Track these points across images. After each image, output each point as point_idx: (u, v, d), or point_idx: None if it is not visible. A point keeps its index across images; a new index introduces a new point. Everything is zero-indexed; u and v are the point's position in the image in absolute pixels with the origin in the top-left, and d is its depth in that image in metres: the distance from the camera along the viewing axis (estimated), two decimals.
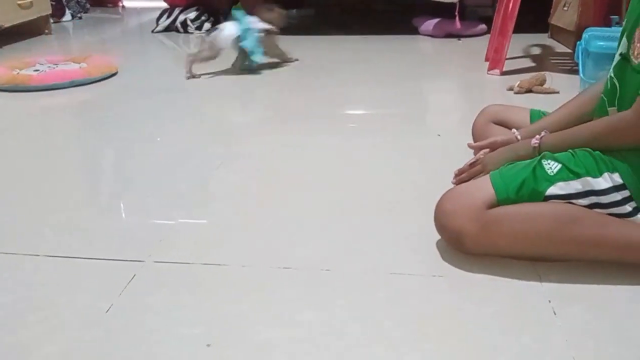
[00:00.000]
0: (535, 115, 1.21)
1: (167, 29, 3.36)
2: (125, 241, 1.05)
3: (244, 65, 2.37)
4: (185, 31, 3.31)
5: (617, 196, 0.89)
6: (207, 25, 3.32)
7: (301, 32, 3.35)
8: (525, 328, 0.80)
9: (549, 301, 0.85)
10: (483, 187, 0.94)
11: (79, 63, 2.39)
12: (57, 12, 3.73)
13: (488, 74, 2.23)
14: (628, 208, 0.89)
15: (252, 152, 1.49)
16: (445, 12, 3.10)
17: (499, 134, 1.23)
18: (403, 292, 0.88)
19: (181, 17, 3.30)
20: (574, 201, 0.91)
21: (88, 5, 4.46)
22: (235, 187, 1.28)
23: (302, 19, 3.89)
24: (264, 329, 0.80)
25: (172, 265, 0.96)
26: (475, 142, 1.32)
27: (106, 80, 2.28)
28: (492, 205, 0.91)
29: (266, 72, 2.53)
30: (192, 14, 3.30)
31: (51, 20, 3.43)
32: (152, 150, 1.53)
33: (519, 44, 2.73)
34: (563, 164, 0.92)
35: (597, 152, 0.92)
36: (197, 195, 1.24)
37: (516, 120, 1.24)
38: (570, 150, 0.94)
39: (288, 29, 3.45)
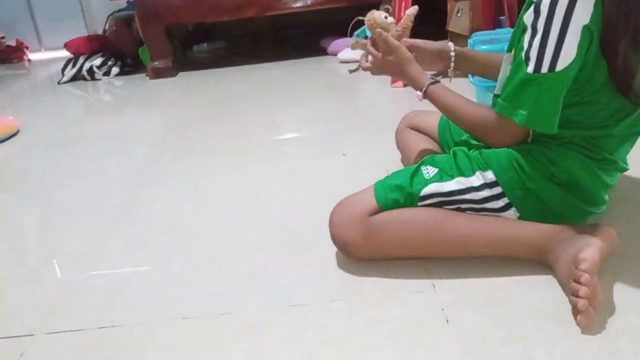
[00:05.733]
0: (444, 120, 1.27)
1: (74, 78, 3.27)
2: (13, 315, 0.99)
3: None
4: (93, 78, 3.23)
5: (488, 192, 0.94)
6: (115, 70, 3.26)
7: (213, 65, 3.35)
8: (419, 341, 0.81)
9: (442, 309, 0.87)
10: (366, 197, 0.99)
11: None
12: None
13: (392, 87, 2.30)
14: (500, 203, 0.94)
15: (153, 197, 1.47)
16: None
17: (416, 140, 1.31)
18: (302, 324, 0.88)
19: (87, 65, 3.23)
20: (449, 199, 0.96)
21: None
22: (132, 238, 1.24)
23: (213, 52, 3.88)
24: None
25: (65, 335, 0.92)
26: (398, 146, 1.41)
27: (7, 142, 2.19)
28: (375, 213, 0.96)
29: (175, 108, 2.50)
30: (98, 61, 3.23)
31: None
32: (45, 210, 1.48)
33: None
34: (440, 168, 0.97)
35: (474, 152, 0.98)
36: (92, 253, 1.19)
37: (425, 124, 1.31)
38: (451, 151, 1.01)
39: (200, 64, 3.44)
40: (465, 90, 2.01)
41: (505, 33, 2.03)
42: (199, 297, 0.98)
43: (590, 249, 0.82)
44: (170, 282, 1.04)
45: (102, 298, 1.02)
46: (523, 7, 0.89)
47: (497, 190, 0.94)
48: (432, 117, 1.31)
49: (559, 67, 0.83)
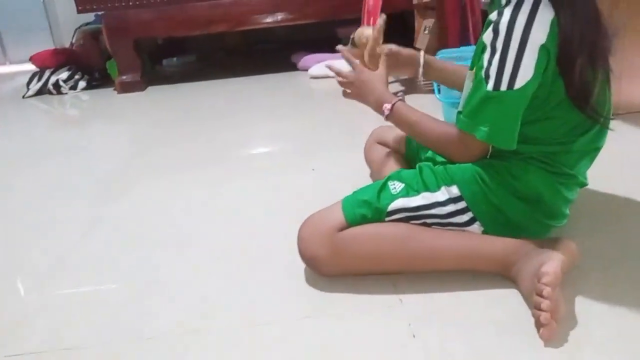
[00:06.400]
0: None
1: (40, 92, 3.22)
2: None
3: None
4: (59, 92, 3.19)
5: (453, 207, 0.96)
6: (82, 84, 3.22)
7: (183, 79, 3.33)
8: (387, 357, 0.81)
9: (409, 325, 0.87)
10: (334, 213, 0.99)
11: None
12: None
13: None
14: (465, 217, 0.96)
15: (119, 214, 1.44)
16: (321, 47, 3.21)
17: (384, 155, 1.31)
18: (271, 341, 0.87)
19: (53, 79, 3.18)
20: (415, 214, 0.97)
21: None
22: (96, 256, 1.22)
23: (183, 66, 3.87)
24: None
25: (23, 358, 0.89)
26: (366, 161, 1.41)
27: None
28: (343, 229, 0.97)
29: (144, 123, 2.48)
30: (64, 74, 3.19)
31: None
32: (6, 227, 1.43)
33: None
34: (406, 184, 0.98)
35: (439, 167, 1.00)
36: (54, 272, 1.16)
37: (393, 139, 1.33)
38: (417, 167, 1.02)
39: (170, 79, 3.42)
40: (432, 107, 2.05)
41: (470, 51, 2.07)
42: (164, 316, 0.96)
43: (552, 263, 0.84)
44: (134, 300, 1.02)
45: (61, 319, 0.99)
46: (484, 27, 0.92)
47: (462, 205, 0.95)
48: (400, 132, 1.33)
49: (517, 85, 0.85)
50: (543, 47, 0.84)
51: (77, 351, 0.89)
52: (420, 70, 1.19)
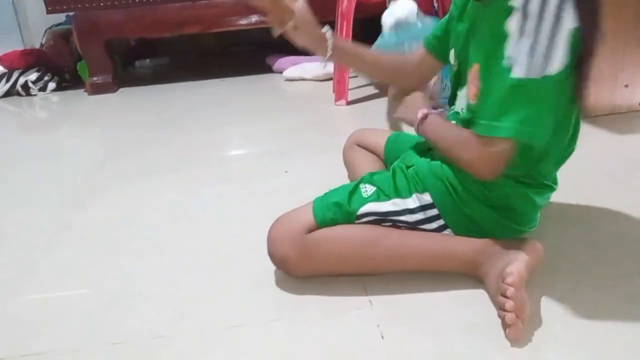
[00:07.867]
0: (391, 139, 1.27)
1: (8, 93, 3.14)
2: None
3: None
4: (28, 94, 3.11)
5: (422, 215, 0.96)
6: (51, 85, 3.15)
7: (156, 81, 3.29)
8: (355, 359, 0.82)
9: (378, 326, 0.88)
10: (304, 214, 0.99)
11: None
12: None
13: (336, 105, 2.33)
14: (434, 225, 0.97)
15: (88, 220, 1.41)
16: (296, 49, 3.21)
17: (362, 157, 1.31)
18: (240, 346, 0.87)
19: (21, 80, 3.10)
20: (385, 218, 0.97)
21: None
22: (64, 263, 1.19)
23: (156, 67, 3.82)
24: None
25: None
26: (344, 163, 1.39)
27: None
28: (312, 230, 0.97)
29: (115, 126, 2.43)
30: (33, 76, 3.12)
31: None
32: None
33: None
34: (378, 187, 0.98)
35: (411, 171, 0.99)
36: (20, 279, 1.13)
37: (372, 141, 1.31)
38: (390, 172, 1.01)
39: (142, 80, 3.37)
40: None
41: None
42: (132, 322, 0.95)
43: (516, 263, 0.85)
44: (102, 307, 1.01)
45: (28, 325, 0.97)
46: (498, 16, 0.83)
47: (431, 212, 0.96)
48: (378, 134, 1.33)
49: (551, 70, 0.78)
50: (573, 32, 0.78)
51: (43, 356, 0.88)
52: (328, 54, 1.05)
